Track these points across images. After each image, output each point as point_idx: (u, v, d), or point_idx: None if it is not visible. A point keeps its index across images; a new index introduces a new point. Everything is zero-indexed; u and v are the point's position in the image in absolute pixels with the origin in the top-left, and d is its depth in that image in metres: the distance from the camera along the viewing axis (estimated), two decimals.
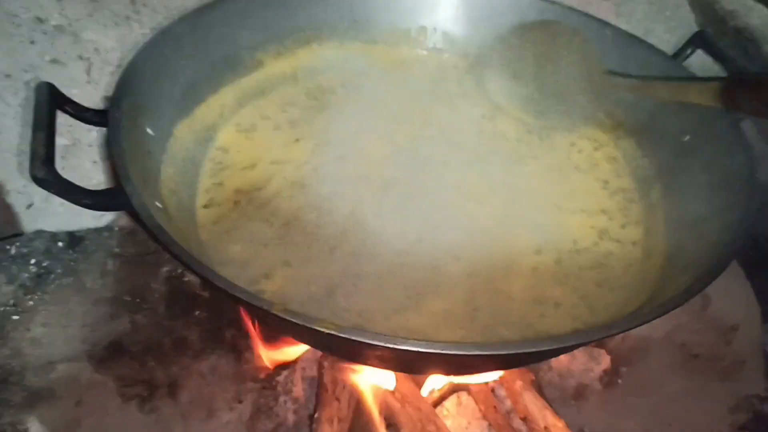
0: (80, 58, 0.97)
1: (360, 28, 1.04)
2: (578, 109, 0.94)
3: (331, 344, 0.71)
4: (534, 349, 0.60)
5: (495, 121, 0.98)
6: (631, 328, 0.63)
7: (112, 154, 0.70)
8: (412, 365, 0.76)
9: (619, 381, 1.03)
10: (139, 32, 0.97)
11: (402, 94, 0.98)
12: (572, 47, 0.93)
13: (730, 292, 1.01)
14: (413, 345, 0.56)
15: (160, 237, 0.62)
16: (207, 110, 0.91)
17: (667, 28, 1.17)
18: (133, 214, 0.66)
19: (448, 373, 0.88)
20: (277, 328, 0.84)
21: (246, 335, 0.88)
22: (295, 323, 0.57)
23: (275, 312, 0.57)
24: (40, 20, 0.92)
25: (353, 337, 0.56)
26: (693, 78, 0.87)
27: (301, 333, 0.72)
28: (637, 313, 0.70)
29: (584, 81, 0.93)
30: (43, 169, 0.67)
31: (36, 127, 0.72)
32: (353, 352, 0.70)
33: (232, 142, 0.90)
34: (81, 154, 1.02)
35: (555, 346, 0.61)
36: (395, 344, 0.56)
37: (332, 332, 0.56)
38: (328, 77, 1.00)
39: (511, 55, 0.98)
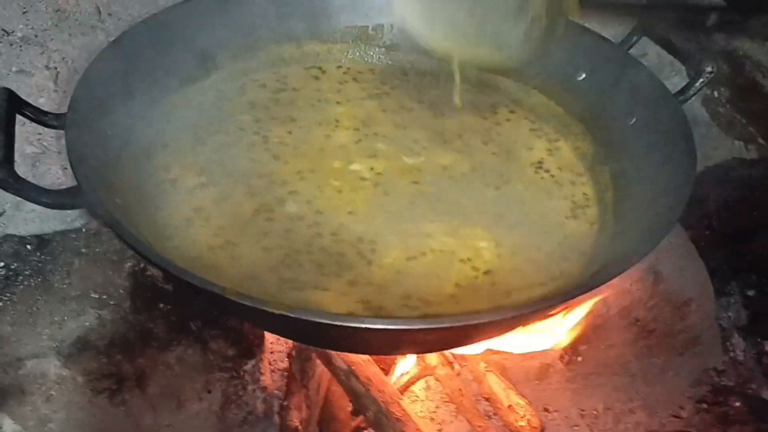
0: (47, 67, 0.98)
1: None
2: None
3: (285, 327, 0.73)
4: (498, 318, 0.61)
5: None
6: (581, 294, 0.66)
7: (68, 154, 0.72)
8: (374, 346, 0.78)
9: (580, 359, 1.06)
10: (105, 41, 0.98)
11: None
12: None
13: (681, 269, 1.04)
14: (373, 323, 0.58)
15: (116, 230, 0.64)
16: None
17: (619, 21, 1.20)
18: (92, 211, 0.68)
19: (414, 352, 0.90)
20: (235, 314, 0.86)
21: (212, 325, 0.90)
22: (248, 306, 0.59)
23: (228, 296, 0.59)
24: (5, 32, 0.93)
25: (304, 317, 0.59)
26: None
27: (256, 317, 0.73)
28: (589, 279, 0.72)
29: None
30: (2, 170, 0.69)
31: None
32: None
33: None
34: (51, 161, 1.04)
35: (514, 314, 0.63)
36: (355, 323, 0.58)
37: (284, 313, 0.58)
38: (286, 77, 1.01)
39: None
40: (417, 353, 0.95)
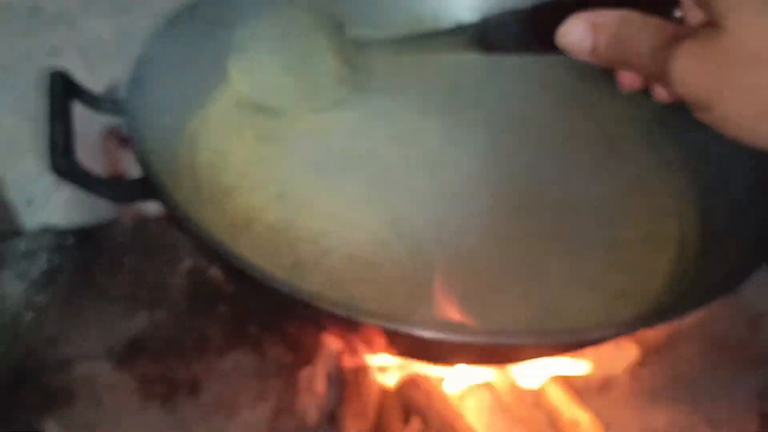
0: (78, 48, 0.94)
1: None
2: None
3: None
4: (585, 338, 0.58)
5: None
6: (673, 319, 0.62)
7: (134, 143, 0.68)
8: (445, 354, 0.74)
9: (646, 372, 1.01)
10: (139, 22, 0.94)
11: None
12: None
13: (757, 281, 0.99)
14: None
15: (192, 228, 0.60)
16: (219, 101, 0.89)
17: None
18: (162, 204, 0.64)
19: (484, 363, 0.86)
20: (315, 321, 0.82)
21: (270, 330, 0.85)
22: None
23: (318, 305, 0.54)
24: (36, 9, 0.89)
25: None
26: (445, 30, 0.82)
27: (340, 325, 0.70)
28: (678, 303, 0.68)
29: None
30: (64, 161, 0.66)
31: (53, 117, 0.70)
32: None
33: None
34: (82, 148, 1.00)
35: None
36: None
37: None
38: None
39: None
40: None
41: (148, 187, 0.64)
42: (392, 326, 0.55)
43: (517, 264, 0.73)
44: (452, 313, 0.67)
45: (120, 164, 1.02)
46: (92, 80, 0.97)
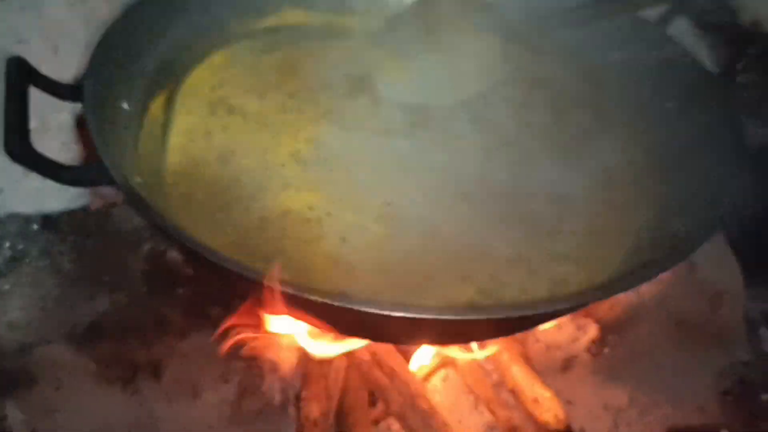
0: (46, 37, 0.94)
1: None
2: None
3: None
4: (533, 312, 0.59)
5: None
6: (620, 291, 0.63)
7: (90, 127, 0.68)
8: (404, 334, 0.75)
9: (607, 350, 1.03)
10: (107, 10, 0.94)
11: None
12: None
13: (714, 260, 1.01)
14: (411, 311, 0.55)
15: (143, 210, 0.60)
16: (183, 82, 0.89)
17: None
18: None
19: (441, 343, 0.87)
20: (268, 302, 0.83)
21: (232, 312, 0.86)
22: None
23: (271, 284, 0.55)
24: None
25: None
26: None
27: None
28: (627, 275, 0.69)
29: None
30: (19, 145, 0.66)
31: (8, 101, 0.70)
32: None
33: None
34: (49, 136, 1.00)
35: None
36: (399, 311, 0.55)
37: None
38: (305, 47, 0.97)
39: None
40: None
41: (103, 171, 0.64)
42: (336, 302, 0.55)
43: (462, 246, 0.74)
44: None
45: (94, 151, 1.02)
46: (60, 68, 0.97)
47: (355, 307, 0.55)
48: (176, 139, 0.81)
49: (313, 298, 0.54)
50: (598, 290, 0.68)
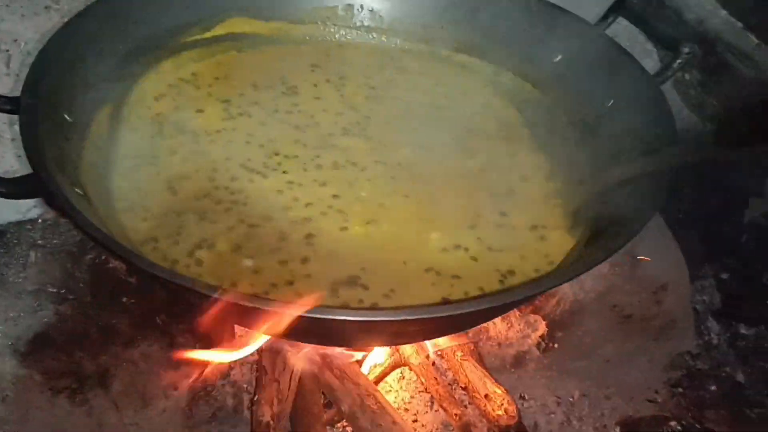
0: None
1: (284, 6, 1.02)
2: None
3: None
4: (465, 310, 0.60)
5: None
6: (559, 284, 0.65)
7: (24, 140, 0.67)
8: (351, 337, 0.76)
9: (556, 346, 1.05)
10: (59, 21, 0.93)
11: None
12: None
13: (658, 253, 1.03)
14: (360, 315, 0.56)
15: (78, 221, 0.61)
16: (128, 95, 0.88)
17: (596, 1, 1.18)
18: (51, 201, 0.64)
19: (385, 344, 0.88)
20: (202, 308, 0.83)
21: (178, 320, 0.86)
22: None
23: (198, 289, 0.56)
24: None
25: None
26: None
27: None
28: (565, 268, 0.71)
29: None
30: None
31: None
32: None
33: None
34: (4, 149, 0.99)
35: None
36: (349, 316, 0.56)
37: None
38: (248, 59, 0.98)
39: None
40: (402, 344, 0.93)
41: (39, 183, 0.64)
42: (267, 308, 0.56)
43: (406, 233, 0.76)
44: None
45: None
46: (14, 83, 0.96)
47: (291, 312, 0.56)
48: (123, 162, 0.81)
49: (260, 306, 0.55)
50: (546, 280, 0.69)
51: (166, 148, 0.83)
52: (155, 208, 0.75)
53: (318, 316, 0.57)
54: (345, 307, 0.68)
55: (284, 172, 0.82)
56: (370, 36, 1.04)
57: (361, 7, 1.04)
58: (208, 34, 0.97)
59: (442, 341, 1.02)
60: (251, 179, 0.80)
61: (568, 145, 0.91)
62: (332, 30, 1.04)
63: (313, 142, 0.86)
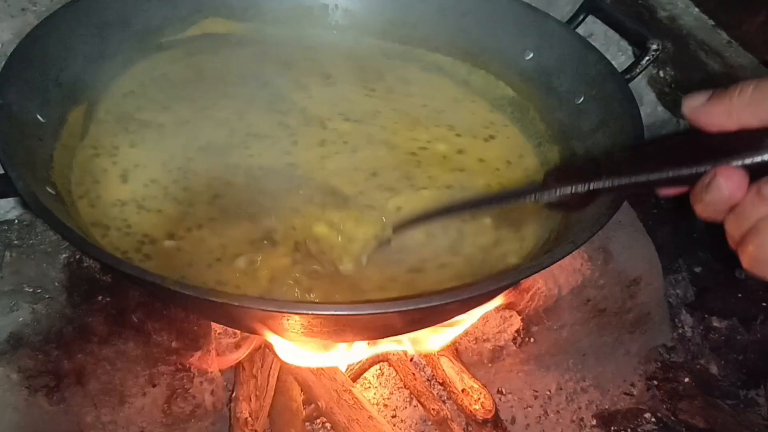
0: None
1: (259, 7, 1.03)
2: None
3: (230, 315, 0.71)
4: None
5: None
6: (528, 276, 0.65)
7: None
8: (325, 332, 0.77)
9: (532, 340, 1.06)
10: (36, 23, 0.94)
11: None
12: None
13: (630, 248, 1.05)
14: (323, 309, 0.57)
15: (46, 219, 0.61)
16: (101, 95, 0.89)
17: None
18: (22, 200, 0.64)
19: (364, 338, 0.89)
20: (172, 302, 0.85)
21: (154, 318, 0.87)
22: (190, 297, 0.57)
23: (168, 286, 0.56)
24: None
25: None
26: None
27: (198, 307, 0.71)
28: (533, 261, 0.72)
29: None
30: None
31: None
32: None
33: None
34: None
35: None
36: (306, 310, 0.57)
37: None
38: (227, 60, 0.98)
39: None
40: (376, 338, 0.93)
41: (9, 183, 0.65)
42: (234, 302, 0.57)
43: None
44: None
45: None
46: None
47: (254, 306, 0.56)
48: (82, 153, 0.82)
49: (215, 300, 0.55)
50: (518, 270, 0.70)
51: (127, 141, 0.84)
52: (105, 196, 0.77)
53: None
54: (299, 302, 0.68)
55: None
56: (345, 35, 1.05)
57: (336, 6, 1.05)
58: (183, 35, 0.97)
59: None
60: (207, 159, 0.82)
61: (544, 143, 0.92)
62: (307, 30, 1.04)
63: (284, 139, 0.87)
